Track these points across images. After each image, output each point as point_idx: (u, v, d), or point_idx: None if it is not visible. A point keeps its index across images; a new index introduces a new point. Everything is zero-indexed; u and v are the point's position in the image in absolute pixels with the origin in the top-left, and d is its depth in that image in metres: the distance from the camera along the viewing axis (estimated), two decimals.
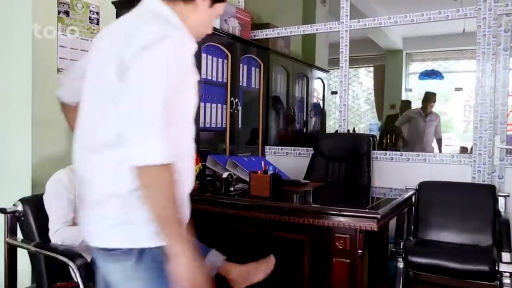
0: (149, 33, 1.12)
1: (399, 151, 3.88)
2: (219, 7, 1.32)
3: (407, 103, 6.56)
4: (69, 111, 1.44)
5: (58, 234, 1.91)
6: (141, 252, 1.13)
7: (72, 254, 1.80)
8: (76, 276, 1.74)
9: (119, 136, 1.09)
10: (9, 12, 2.25)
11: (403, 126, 5.55)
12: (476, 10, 3.13)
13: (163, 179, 1.06)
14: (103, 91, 1.16)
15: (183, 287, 1.09)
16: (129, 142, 1.06)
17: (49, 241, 1.94)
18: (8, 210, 1.97)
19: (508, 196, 2.84)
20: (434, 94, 5.34)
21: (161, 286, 1.14)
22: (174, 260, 1.08)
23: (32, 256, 2.02)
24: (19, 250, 2.03)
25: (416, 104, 6.29)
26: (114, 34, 1.23)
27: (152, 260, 1.13)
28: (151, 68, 1.08)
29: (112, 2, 2.56)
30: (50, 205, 1.95)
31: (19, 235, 2.03)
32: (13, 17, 2.24)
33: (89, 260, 1.77)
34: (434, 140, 5.30)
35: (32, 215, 1.99)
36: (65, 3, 2.29)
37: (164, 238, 1.09)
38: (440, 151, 5.27)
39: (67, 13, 2.30)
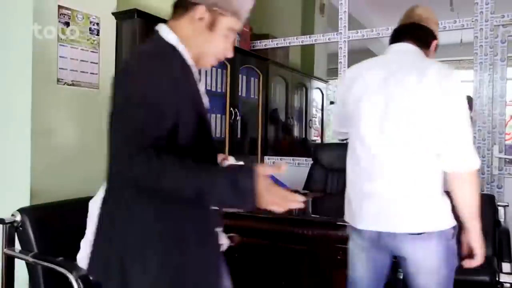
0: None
1: None
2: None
3: None
4: None
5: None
6: (440, 233, 1.48)
7: (71, 265, 1.79)
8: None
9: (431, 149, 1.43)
10: (10, 18, 2.27)
11: None
12: (473, 21, 3.15)
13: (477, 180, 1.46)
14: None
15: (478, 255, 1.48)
16: (450, 155, 1.41)
17: (49, 252, 1.93)
18: (6, 221, 1.96)
19: (508, 205, 2.84)
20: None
21: (451, 256, 1.52)
22: (470, 234, 1.48)
23: (30, 267, 2.00)
24: (16, 261, 2.02)
25: None
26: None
27: (446, 238, 1.48)
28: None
29: (112, 13, 2.57)
30: (89, 226, 1.87)
31: (17, 246, 2.02)
32: (14, 23, 2.26)
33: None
34: None
35: (30, 225, 1.97)
36: (65, 14, 2.30)
37: (469, 220, 1.46)
38: None
39: (67, 24, 2.32)
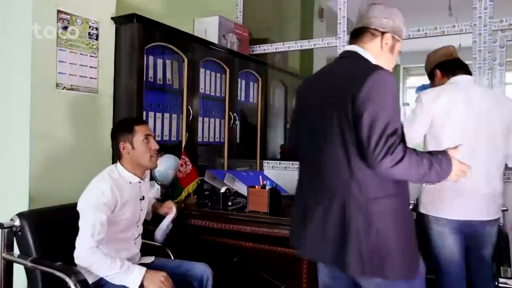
0: None
1: None
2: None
3: None
4: None
5: (91, 254, 1.82)
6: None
7: (70, 270, 1.79)
8: None
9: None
10: (10, 21, 2.27)
11: None
12: (471, 26, 3.16)
13: None
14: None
15: None
16: None
17: (48, 257, 1.93)
18: (5, 225, 1.96)
19: (507, 210, 2.83)
20: None
21: None
22: None
23: (29, 271, 2.00)
24: (15, 265, 2.02)
25: None
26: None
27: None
28: None
29: (112, 18, 2.58)
30: (88, 215, 1.88)
31: (16, 251, 2.02)
32: (14, 27, 2.26)
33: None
34: None
35: (29, 230, 1.97)
36: (64, 19, 2.31)
37: None
38: None
39: (66, 28, 2.32)
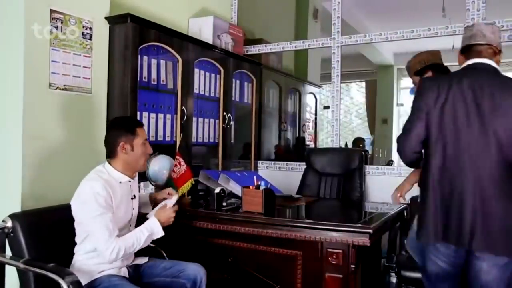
0: None
1: (391, 165, 3.89)
2: None
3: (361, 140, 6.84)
4: None
5: (117, 252, 1.88)
6: None
7: (63, 271, 1.77)
8: None
9: None
10: (1, 21, 2.26)
11: None
12: (464, 27, 3.18)
13: None
14: None
15: None
16: None
17: (40, 258, 1.91)
18: None
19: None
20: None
21: None
22: None
23: (21, 273, 1.98)
24: (7, 267, 2.00)
25: None
26: None
27: None
28: None
29: (105, 18, 2.57)
30: (95, 222, 1.88)
31: (8, 252, 2.00)
32: (6, 27, 2.25)
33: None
34: None
35: (21, 231, 1.95)
36: (57, 19, 2.29)
37: None
38: None
39: (60, 28, 2.31)
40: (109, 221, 1.89)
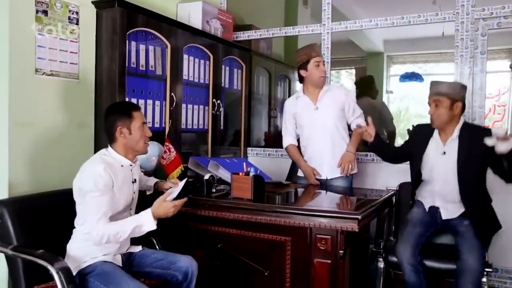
0: None
1: None
2: None
3: None
4: None
5: (101, 236, 1.87)
6: None
7: (52, 257, 1.77)
8: (56, 280, 1.71)
9: None
10: None
11: None
12: (454, 14, 3.19)
13: None
14: None
15: None
16: None
17: (28, 244, 1.91)
18: None
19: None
20: None
21: None
22: None
23: (9, 260, 1.98)
24: None
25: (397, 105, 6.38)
26: None
27: None
28: None
29: (92, 2, 2.52)
30: (90, 203, 1.89)
31: None
32: None
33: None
34: None
35: (9, 217, 1.94)
36: (43, 2, 2.25)
37: None
38: None
39: (45, 12, 2.26)
40: (103, 204, 1.90)
